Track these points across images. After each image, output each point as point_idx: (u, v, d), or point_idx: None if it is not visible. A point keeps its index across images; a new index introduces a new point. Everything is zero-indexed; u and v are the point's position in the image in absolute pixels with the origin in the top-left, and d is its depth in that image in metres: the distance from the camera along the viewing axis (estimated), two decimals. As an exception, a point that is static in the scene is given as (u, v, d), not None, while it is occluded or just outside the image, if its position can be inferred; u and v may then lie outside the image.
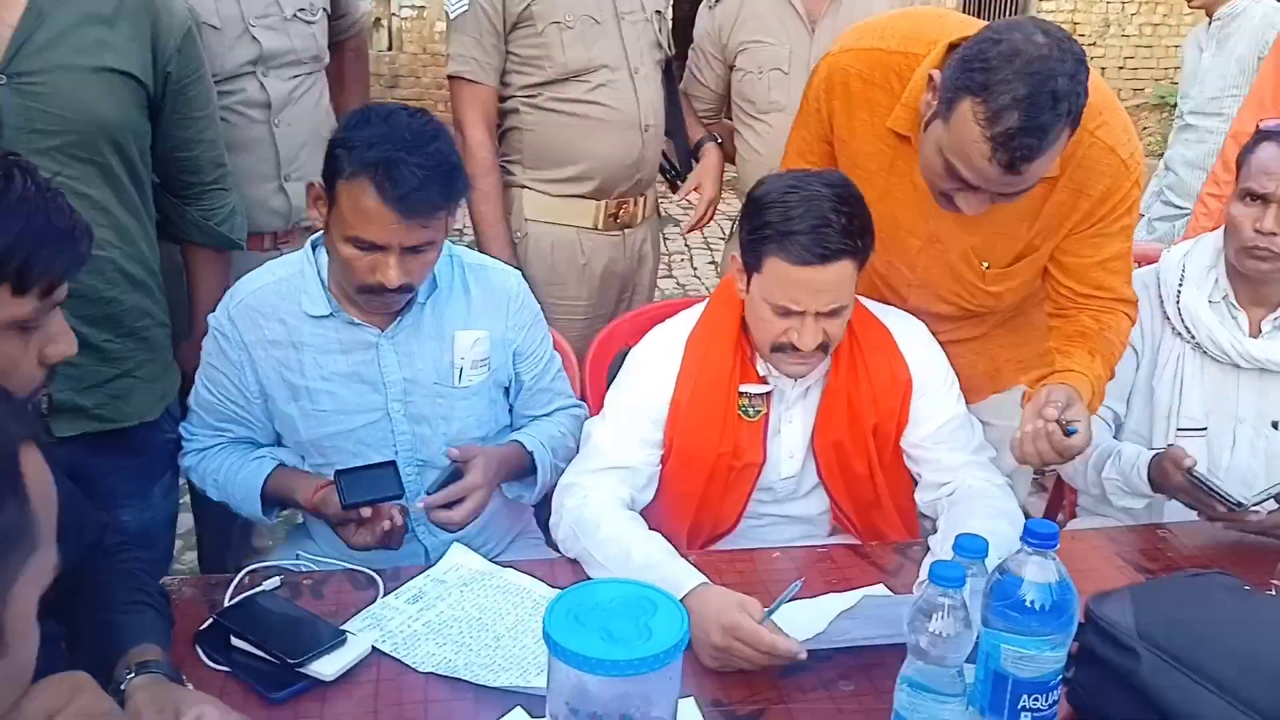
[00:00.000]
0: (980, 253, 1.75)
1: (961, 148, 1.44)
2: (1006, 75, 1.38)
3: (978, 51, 1.42)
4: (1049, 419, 1.49)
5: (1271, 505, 1.62)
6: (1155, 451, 1.77)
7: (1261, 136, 1.81)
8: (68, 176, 1.53)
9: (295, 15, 2.06)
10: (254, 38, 2.00)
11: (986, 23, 1.58)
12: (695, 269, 6.56)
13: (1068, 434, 1.48)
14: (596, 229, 2.39)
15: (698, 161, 2.62)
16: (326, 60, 2.21)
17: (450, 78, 2.31)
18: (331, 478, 1.55)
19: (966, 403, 1.80)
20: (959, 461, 1.68)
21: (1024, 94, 1.37)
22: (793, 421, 1.71)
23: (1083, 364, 1.64)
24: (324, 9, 2.15)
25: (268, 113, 2.04)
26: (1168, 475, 1.70)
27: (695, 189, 2.59)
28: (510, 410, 1.82)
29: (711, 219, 2.64)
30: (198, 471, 1.72)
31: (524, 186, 2.35)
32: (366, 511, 1.52)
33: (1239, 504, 1.62)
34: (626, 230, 2.44)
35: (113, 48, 1.59)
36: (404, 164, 1.43)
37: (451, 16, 2.26)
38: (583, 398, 1.95)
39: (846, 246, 1.51)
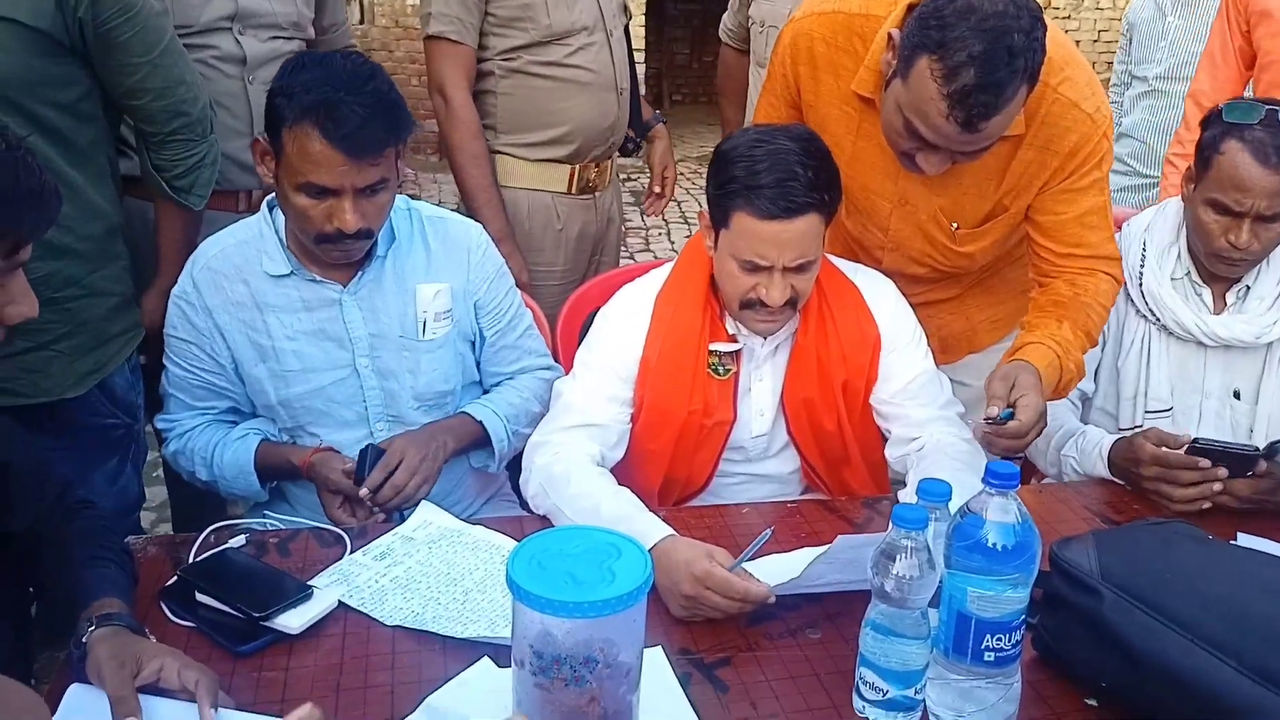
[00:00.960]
0: (949, 213, 1.75)
1: (920, 105, 1.44)
2: (962, 32, 1.37)
3: (934, 9, 1.41)
4: (985, 420, 1.47)
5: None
6: (1117, 436, 1.75)
7: (1226, 129, 1.70)
8: None
9: None
10: None
11: None
12: (673, 242, 6.56)
13: (1000, 421, 1.46)
14: (570, 193, 2.39)
15: (649, 141, 2.67)
16: (310, 33, 2.16)
17: (430, 38, 2.25)
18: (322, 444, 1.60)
19: (943, 363, 1.80)
20: (927, 416, 1.68)
21: (980, 50, 1.37)
22: (763, 379, 1.71)
23: (1045, 332, 1.62)
24: None
25: (242, 69, 2.01)
26: (1138, 453, 1.65)
27: (664, 173, 2.67)
28: (479, 366, 1.81)
29: (672, 194, 2.71)
30: (186, 454, 1.70)
31: (498, 152, 2.33)
32: (364, 492, 1.54)
33: (1256, 450, 1.59)
34: (596, 193, 2.44)
35: None
36: (344, 104, 1.42)
37: None
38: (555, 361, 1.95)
39: (813, 200, 1.50)
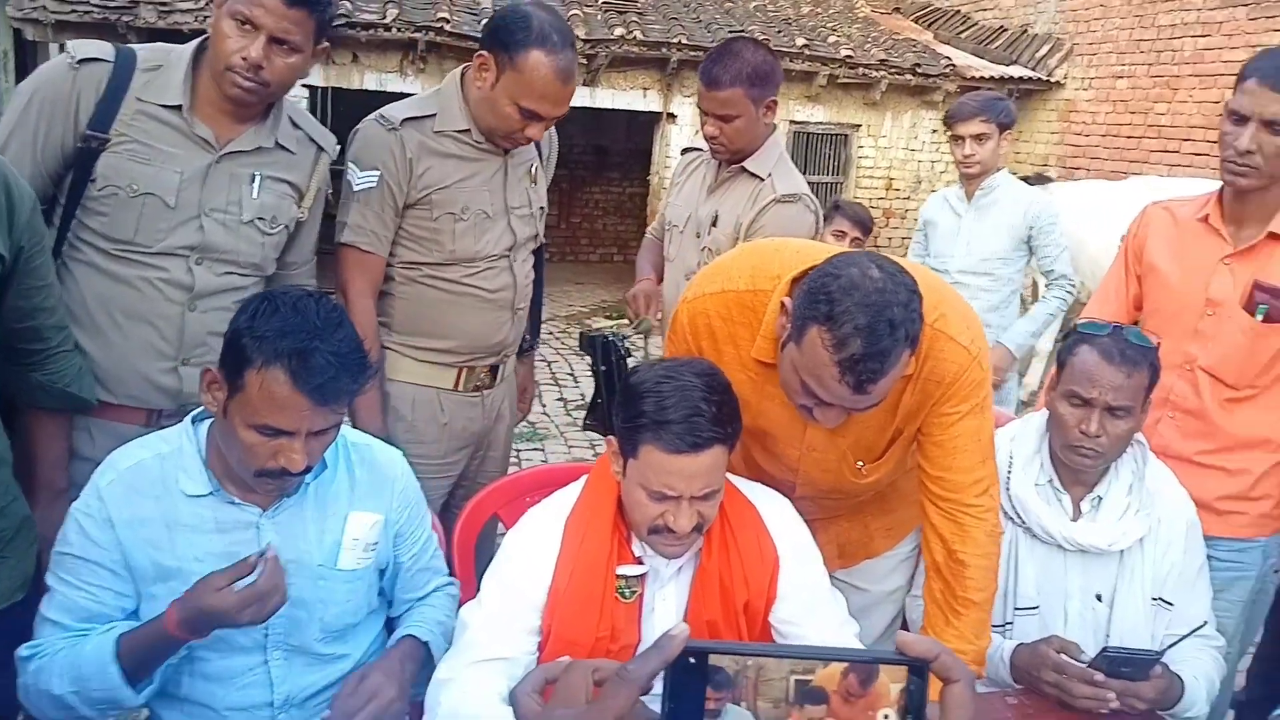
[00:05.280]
0: (855, 453, 1.85)
1: (814, 369, 1.55)
2: (848, 306, 1.50)
3: (821, 285, 1.54)
4: None
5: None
6: (1018, 642, 1.87)
7: (1079, 338, 1.96)
8: None
9: (252, 221, 2.00)
10: (201, 226, 1.94)
11: (824, 249, 1.71)
12: (544, 405, 6.59)
13: None
14: (456, 390, 2.42)
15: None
16: (269, 272, 2.11)
17: (343, 245, 2.28)
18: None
19: (840, 568, 1.86)
20: (826, 636, 1.73)
21: (864, 323, 1.49)
22: (666, 600, 1.73)
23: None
24: (286, 226, 2.08)
25: (187, 296, 1.95)
26: (1041, 659, 1.80)
27: (524, 393, 2.80)
28: (381, 593, 1.78)
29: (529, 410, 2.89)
30: (45, 673, 1.49)
31: (389, 348, 2.36)
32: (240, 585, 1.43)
33: (1157, 655, 1.76)
34: (486, 391, 2.47)
35: None
36: (318, 352, 1.44)
37: (356, 188, 2.24)
38: (449, 568, 1.93)
39: (718, 434, 1.57)
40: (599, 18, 8.81)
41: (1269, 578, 2.28)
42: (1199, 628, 1.93)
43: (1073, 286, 3.60)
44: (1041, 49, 9.89)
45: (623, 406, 1.64)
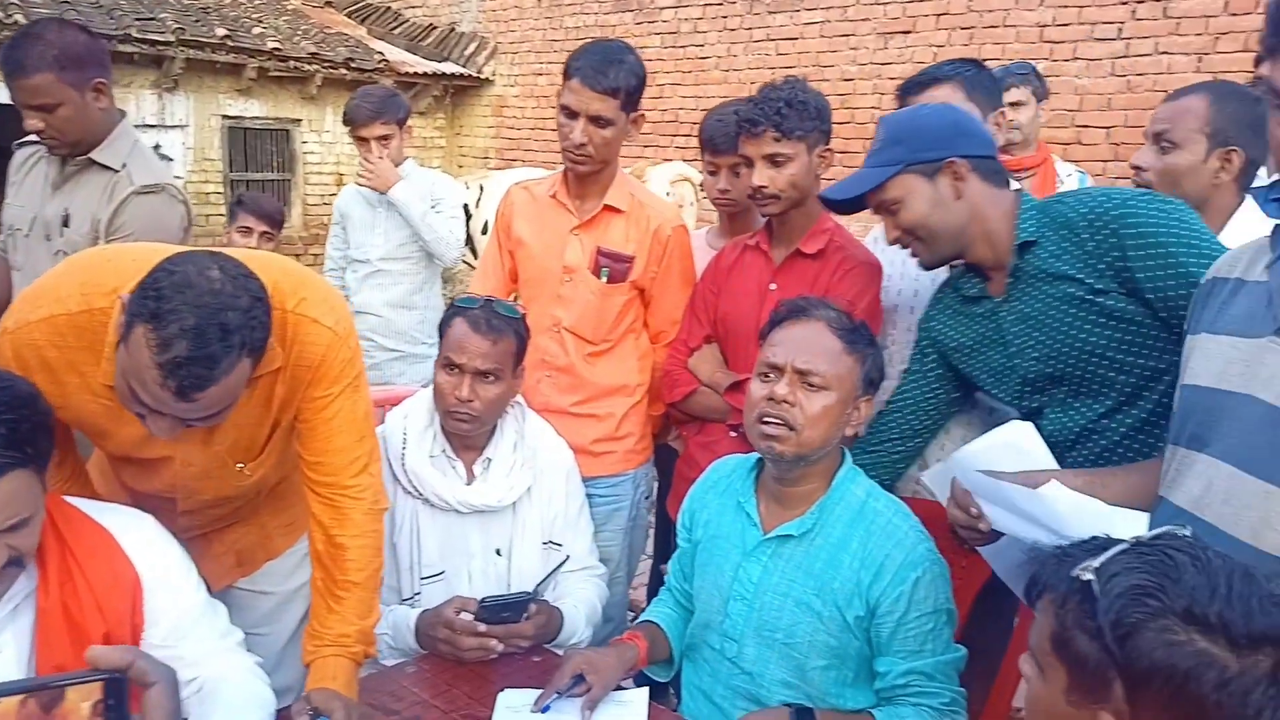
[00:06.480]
0: (234, 455, 1.76)
1: (138, 372, 1.43)
2: (177, 305, 1.40)
3: (152, 280, 1.43)
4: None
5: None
6: (422, 610, 1.96)
7: (454, 311, 2.08)
8: None
9: None
10: None
11: (165, 250, 1.59)
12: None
13: None
14: None
15: None
16: None
17: None
18: None
19: (242, 577, 1.79)
20: (205, 651, 1.63)
21: (192, 324, 1.40)
22: (4, 649, 1.50)
23: (330, 634, 1.72)
24: None
25: None
26: (434, 619, 1.92)
27: None
28: None
29: None
30: None
31: None
32: None
33: (529, 595, 1.96)
34: None
35: None
36: None
37: None
38: None
39: (12, 459, 1.36)
40: (-36, -4, 7.52)
41: (641, 504, 2.61)
42: (560, 564, 2.14)
43: (455, 253, 3.74)
44: (469, 47, 10.40)
45: None
